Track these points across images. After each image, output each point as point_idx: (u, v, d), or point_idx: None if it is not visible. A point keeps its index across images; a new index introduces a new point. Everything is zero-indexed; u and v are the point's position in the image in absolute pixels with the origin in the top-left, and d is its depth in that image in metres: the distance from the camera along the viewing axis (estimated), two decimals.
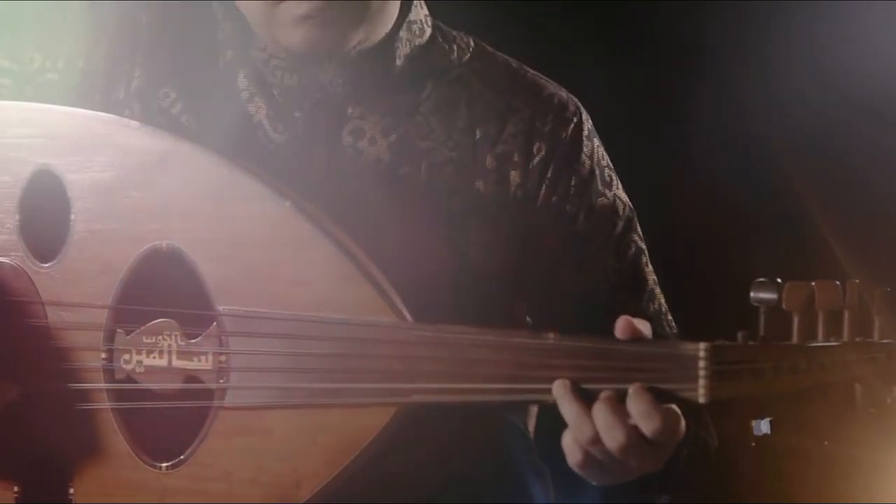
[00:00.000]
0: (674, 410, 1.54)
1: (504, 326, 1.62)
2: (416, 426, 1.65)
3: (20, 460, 1.75)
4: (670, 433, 1.54)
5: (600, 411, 1.54)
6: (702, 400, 1.52)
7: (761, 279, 1.54)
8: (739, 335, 1.54)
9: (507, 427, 1.85)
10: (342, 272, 1.65)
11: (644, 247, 1.89)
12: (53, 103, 1.80)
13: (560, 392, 1.55)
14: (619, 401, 1.54)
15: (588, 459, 1.58)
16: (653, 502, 1.70)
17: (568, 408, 1.55)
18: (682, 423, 1.56)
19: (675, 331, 1.86)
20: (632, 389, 1.54)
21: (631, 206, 1.89)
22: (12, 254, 1.76)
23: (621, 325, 1.57)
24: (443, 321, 1.64)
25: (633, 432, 1.54)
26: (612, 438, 1.54)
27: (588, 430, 1.55)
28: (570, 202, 1.83)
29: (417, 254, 1.80)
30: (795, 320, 1.53)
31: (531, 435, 1.90)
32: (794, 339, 1.53)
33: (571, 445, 1.58)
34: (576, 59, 1.95)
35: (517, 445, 1.86)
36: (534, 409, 1.89)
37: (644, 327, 1.59)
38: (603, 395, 1.55)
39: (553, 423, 1.68)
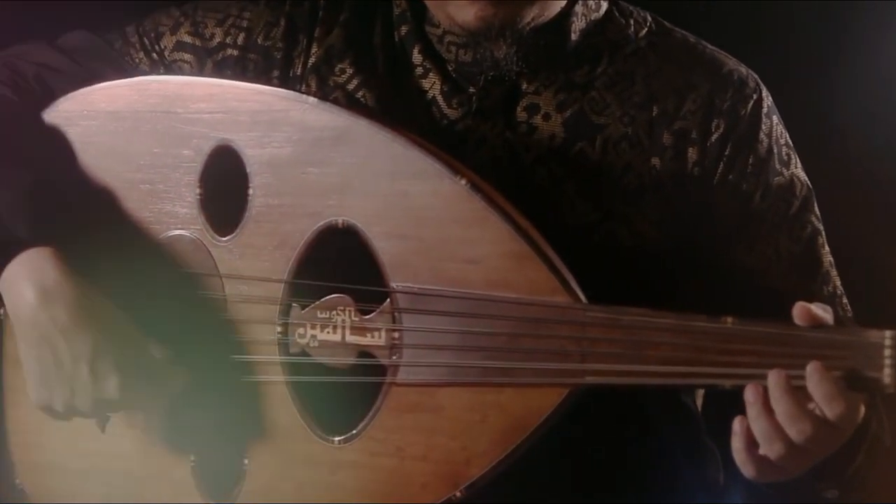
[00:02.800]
0: (854, 394, 1.51)
1: (680, 309, 1.60)
2: (585, 405, 1.64)
3: (196, 430, 1.78)
4: (853, 417, 1.51)
5: (783, 399, 1.51)
6: (888, 390, 1.49)
7: None
8: None
9: (677, 406, 1.84)
10: (516, 251, 1.65)
11: (821, 227, 1.85)
12: (232, 79, 1.82)
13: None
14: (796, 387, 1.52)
15: (762, 467, 1.55)
16: (821, 495, 1.66)
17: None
18: (862, 407, 1.53)
19: (849, 314, 1.82)
20: (815, 372, 1.50)
21: (809, 185, 1.85)
22: (192, 227, 1.78)
23: (798, 311, 1.54)
24: (616, 302, 1.62)
25: (815, 417, 1.51)
26: (797, 429, 1.51)
27: (765, 421, 1.52)
28: (747, 181, 1.80)
29: (590, 231, 1.79)
30: None
31: (699, 413, 1.88)
32: None
33: (744, 455, 1.55)
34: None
35: (687, 424, 1.84)
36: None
37: (826, 313, 1.55)
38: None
39: (722, 402, 1.66)
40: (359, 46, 1.87)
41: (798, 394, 1.51)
